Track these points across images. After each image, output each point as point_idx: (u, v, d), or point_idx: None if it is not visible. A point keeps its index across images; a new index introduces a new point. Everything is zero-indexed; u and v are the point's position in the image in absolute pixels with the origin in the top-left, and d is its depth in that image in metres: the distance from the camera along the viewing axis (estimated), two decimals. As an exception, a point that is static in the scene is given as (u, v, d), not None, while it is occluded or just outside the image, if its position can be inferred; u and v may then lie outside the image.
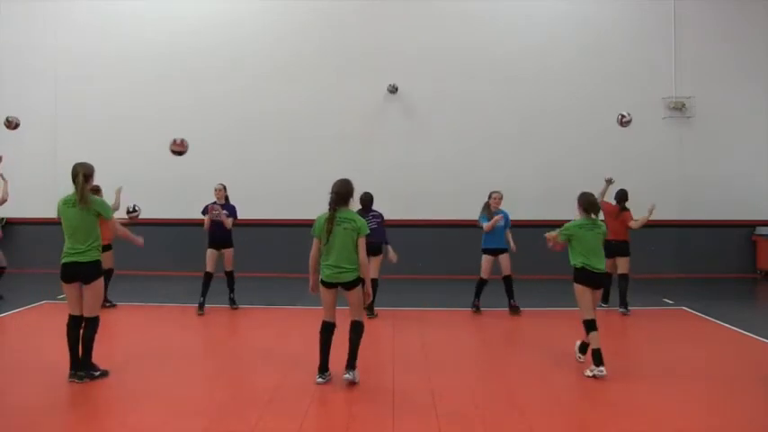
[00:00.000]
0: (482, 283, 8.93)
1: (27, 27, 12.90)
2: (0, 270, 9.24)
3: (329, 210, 5.60)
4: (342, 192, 5.60)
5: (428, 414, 4.96)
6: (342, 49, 12.59)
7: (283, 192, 12.47)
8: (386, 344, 7.23)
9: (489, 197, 8.88)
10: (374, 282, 7.88)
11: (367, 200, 8.53)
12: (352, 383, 5.57)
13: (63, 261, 5.65)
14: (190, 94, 12.62)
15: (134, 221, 9.04)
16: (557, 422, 4.95)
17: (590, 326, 5.96)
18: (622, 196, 9.09)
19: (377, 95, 12.44)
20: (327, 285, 5.66)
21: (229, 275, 9.05)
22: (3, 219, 10.31)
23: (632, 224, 8.95)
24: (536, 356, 6.70)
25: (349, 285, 5.62)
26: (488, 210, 8.80)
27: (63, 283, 5.68)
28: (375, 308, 8.51)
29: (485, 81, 12.47)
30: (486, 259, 8.88)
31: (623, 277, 8.97)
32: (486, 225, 8.69)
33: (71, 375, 5.64)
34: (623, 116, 9.65)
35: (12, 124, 9.73)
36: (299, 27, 12.69)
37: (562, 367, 6.25)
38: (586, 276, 6.00)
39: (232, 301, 9.12)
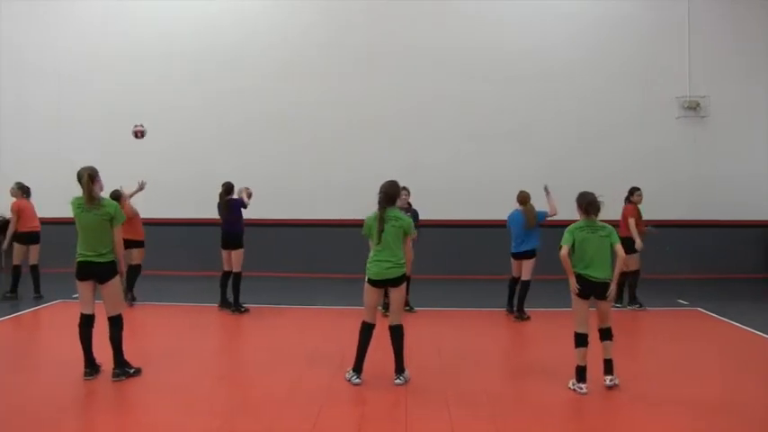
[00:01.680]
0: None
1: (29, 26, 12.91)
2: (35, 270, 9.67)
3: (378, 209, 5.75)
4: (390, 192, 5.82)
5: (442, 415, 4.95)
6: (347, 49, 12.50)
7: (287, 192, 12.40)
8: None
9: (526, 200, 8.49)
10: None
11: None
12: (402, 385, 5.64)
13: (78, 260, 5.68)
14: (195, 93, 12.56)
15: (142, 188, 9.09)
16: (569, 424, 4.92)
17: (580, 340, 5.54)
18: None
19: (380, 96, 12.40)
20: (375, 284, 5.75)
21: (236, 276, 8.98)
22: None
23: (630, 222, 9.01)
24: (550, 358, 6.66)
25: (396, 282, 5.71)
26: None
27: (77, 281, 5.73)
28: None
29: (488, 81, 12.32)
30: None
31: (629, 274, 8.89)
32: (551, 210, 8.45)
33: (86, 374, 5.69)
34: None
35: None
36: (304, 27, 12.64)
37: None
38: (582, 285, 5.51)
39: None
